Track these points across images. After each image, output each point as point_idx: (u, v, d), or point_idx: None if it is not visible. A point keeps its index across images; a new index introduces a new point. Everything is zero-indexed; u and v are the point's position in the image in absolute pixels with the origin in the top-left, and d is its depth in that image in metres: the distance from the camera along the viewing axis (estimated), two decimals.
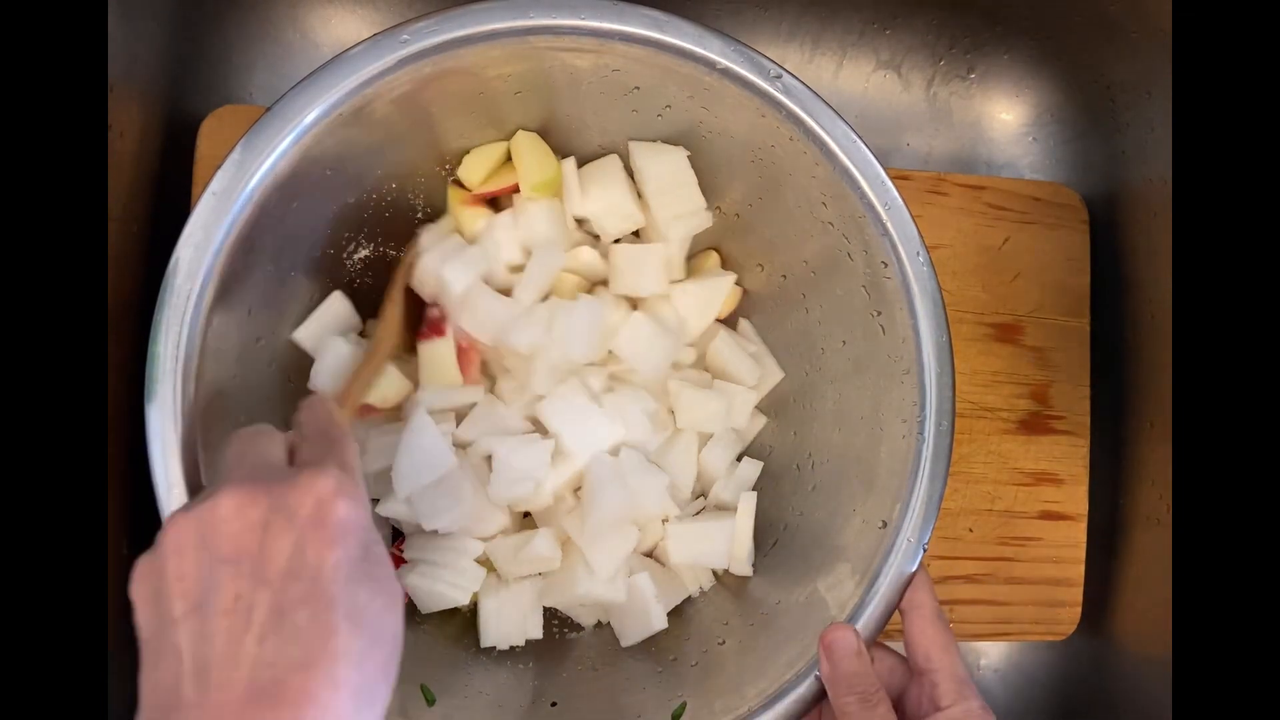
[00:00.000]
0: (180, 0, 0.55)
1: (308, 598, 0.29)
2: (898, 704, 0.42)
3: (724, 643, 0.50)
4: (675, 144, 0.50)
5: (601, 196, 0.50)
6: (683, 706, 0.45)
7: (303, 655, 0.28)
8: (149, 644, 0.30)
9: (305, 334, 0.48)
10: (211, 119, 0.54)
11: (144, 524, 0.49)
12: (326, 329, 0.48)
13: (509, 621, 0.49)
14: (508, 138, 0.50)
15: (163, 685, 0.29)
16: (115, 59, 0.47)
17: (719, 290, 0.53)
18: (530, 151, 0.49)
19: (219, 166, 0.40)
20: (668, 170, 0.50)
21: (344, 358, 0.47)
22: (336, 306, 0.49)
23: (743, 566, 0.52)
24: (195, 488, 0.39)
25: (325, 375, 0.47)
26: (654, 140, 0.50)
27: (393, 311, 0.49)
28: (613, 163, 0.51)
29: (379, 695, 0.30)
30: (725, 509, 0.53)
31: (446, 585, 0.48)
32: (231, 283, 0.41)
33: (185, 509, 0.31)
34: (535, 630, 0.50)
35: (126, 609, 0.49)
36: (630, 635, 0.50)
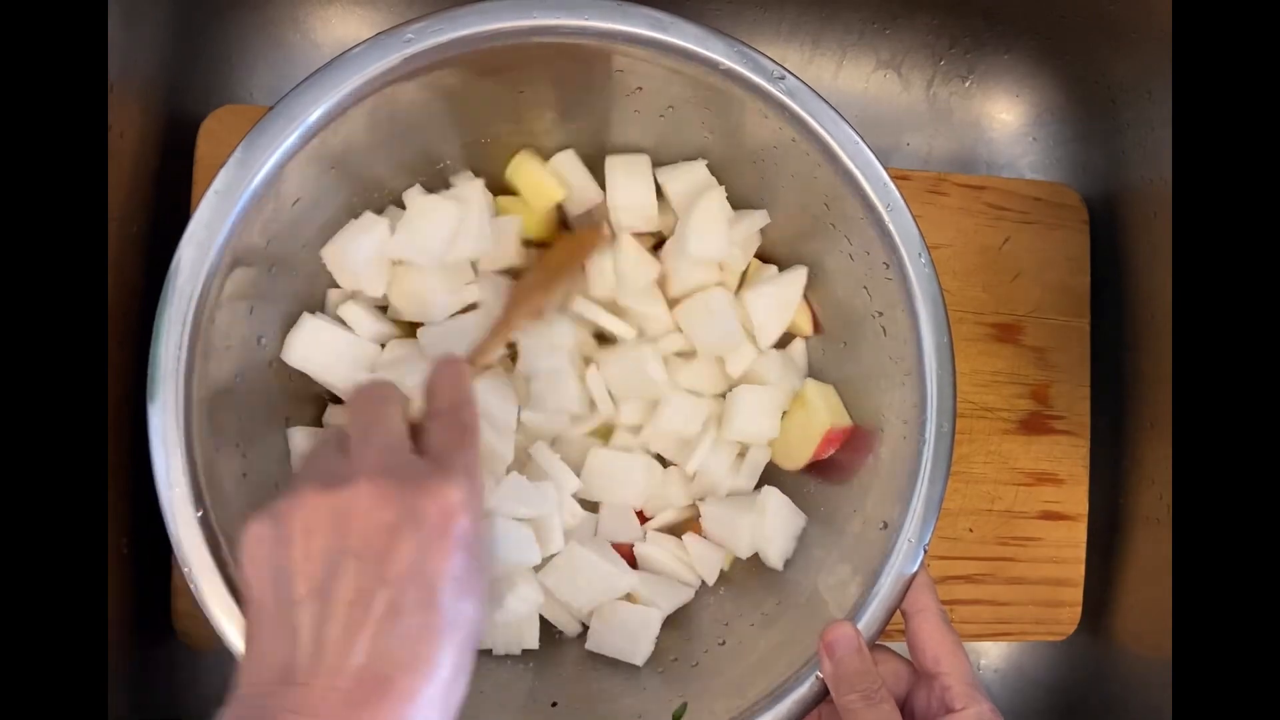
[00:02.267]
0: (180, 0, 0.55)
1: (422, 604, 0.31)
2: (903, 708, 0.42)
3: (724, 643, 0.50)
4: (673, 141, 0.50)
5: (626, 186, 0.50)
6: (683, 707, 0.45)
7: (410, 657, 0.30)
8: (264, 613, 0.31)
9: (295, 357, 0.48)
10: (211, 119, 0.53)
11: (144, 524, 0.49)
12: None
13: (506, 630, 0.49)
14: (512, 139, 0.50)
15: (274, 658, 0.30)
16: (115, 59, 0.47)
17: (794, 287, 0.51)
18: None
19: (221, 166, 0.40)
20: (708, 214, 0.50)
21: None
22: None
23: (775, 559, 0.51)
24: (196, 488, 0.39)
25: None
26: (653, 141, 0.50)
27: (552, 287, 0.48)
28: (641, 161, 0.51)
29: (459, 697, 0.32)
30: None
31: None
32: (233, 282, 0.41)
33: (320, 488, 0.32)
34: (531, 641, 0.50)
35: (127, 609, 0.50)
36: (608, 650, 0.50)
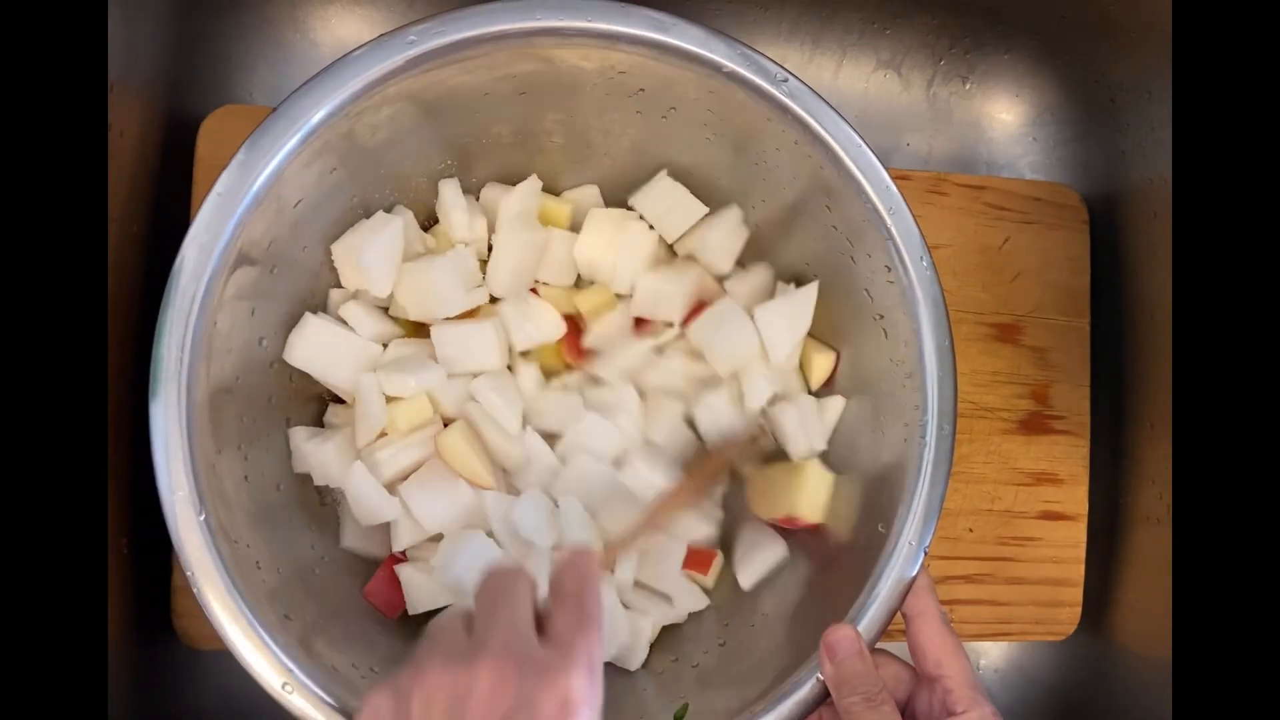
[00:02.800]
0: (180, 0, 0.55)
1: None
2: (905, 711, 0.42)
3: (725, 644, 0.50)
4: (676, 143, 0.50)
5: (661, 198, 0.51)
6: (684, 708, 0.45)
7: None
8: None
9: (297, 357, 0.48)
10: (211, 119, 0.53)
11: (144, 524, 0.49)
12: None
13: None
14: (513, 139, 0.50)
15: None
16: (115, 59, 0.47)
17: (806, 304, 0.51)
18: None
19: (224, 167, 0.40)
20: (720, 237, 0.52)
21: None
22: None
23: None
24: (198, 490, 0.39)
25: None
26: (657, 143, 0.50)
27: (694, 486, 0.50)
28: (663, 178, 0.52)
29: None
30: None
31: (443, 587, 0.48)
32: (235, 284, 0.41)
33: (442, 663, 0.32)
34: None
35: (127, 609, 0.50)
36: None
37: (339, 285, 0.49)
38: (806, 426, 0.50)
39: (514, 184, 0.51)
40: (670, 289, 0.50)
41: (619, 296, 0.52)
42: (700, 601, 0.52)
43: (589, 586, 0.37)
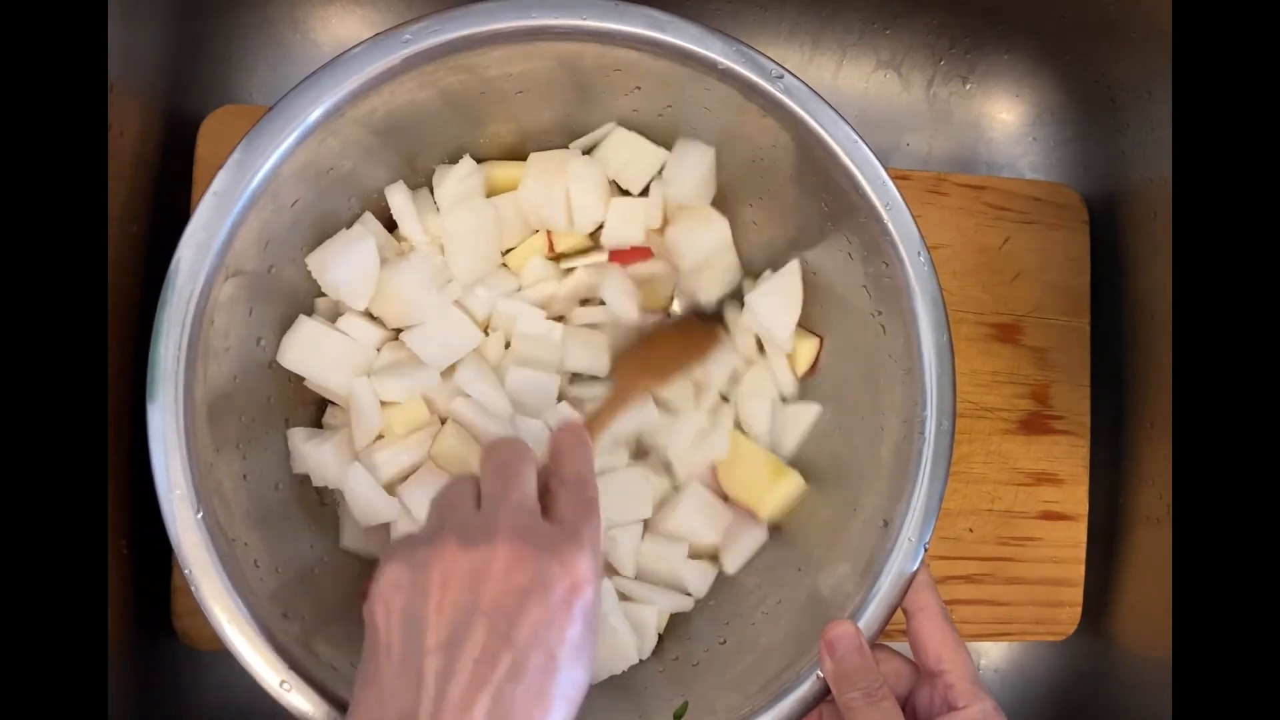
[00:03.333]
0: (180, 0, 0.55)
1: (541, 670, 0.32)
2: (905, 707, 0.42)
3: (725, 642, 0.50)
4: (672, 139, 0.50)
5: (619, 150, 0.50)
6: (684, 706, 0.45)
7: (524, 718, 0.31)
8: (390, 657, 0.33)
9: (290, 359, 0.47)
10: (211, 119, 0.53)
11: (144, 524, 0.49)
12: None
13: None
14: (510, 139, 0.50)
15: (396, 704, 0.32)
16: (115, 59, 0.47)
17: (793, 278, 0.51)
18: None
19: (220, 167, 0.40)
20: (708, 242, 0.52)
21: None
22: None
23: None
24: (196, 489, 0.39)
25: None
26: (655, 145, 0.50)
27: (667, 373, 0.51)
28: (616, 129, 0.51)
29: None
30: None
31: None
32: (233, 283, 0.41)
33: (460, 543, 0.33)
34: None
35: (127, 609, 0.50)
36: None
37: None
38: (777, 428, 0.52)
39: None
40: (636, 211, 0.51)
41: (592, 239, 0.52)
42: (708, 582, 0.52)
43: (586, 466, 0.39)
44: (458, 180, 0.49)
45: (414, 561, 0.33)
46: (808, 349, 0.52)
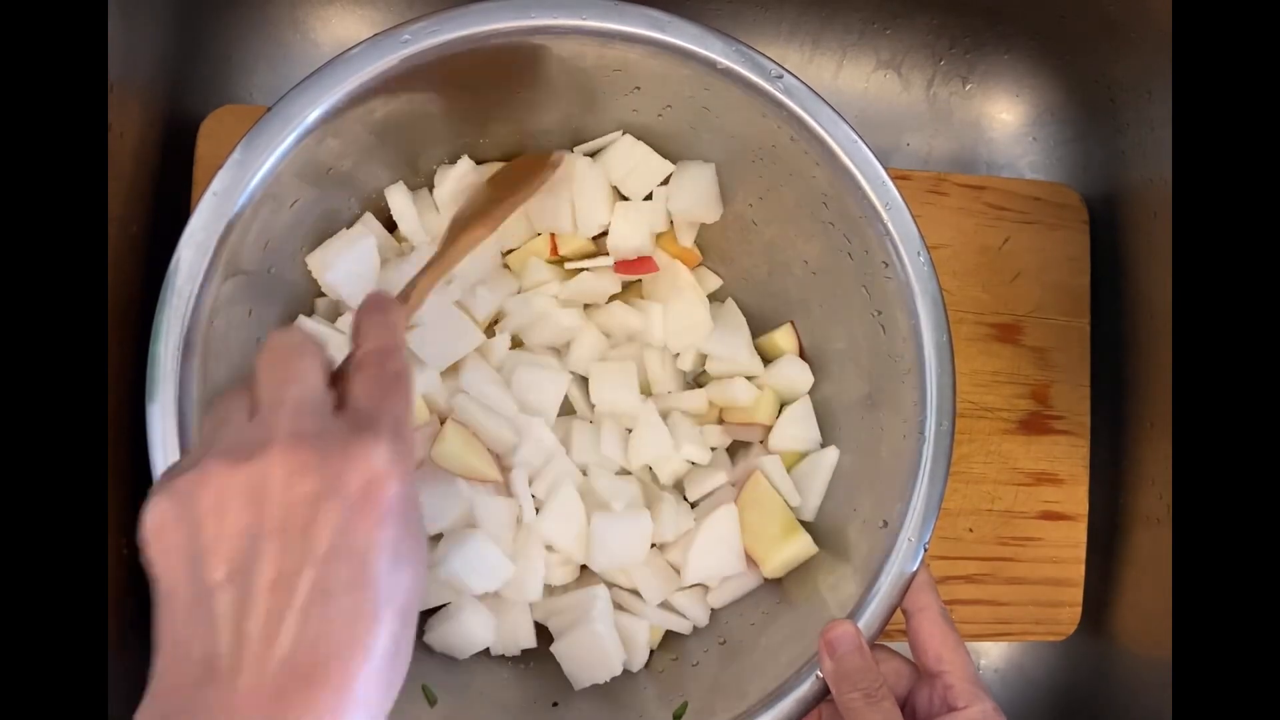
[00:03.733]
0: (180, 0, 0.55)
1: (352, 583, 0.28)
2: (905, 707, 0.42)
3: (724, 642, 0.50)
4: (675, 142, 0.50)
5: (624, 160, 0.50)
6: (684, 706, 0.45)
7: (343, 640, 0.28)
8: (175, 601, 0.29)
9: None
10: (211, 119, 0.53)
11: None
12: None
13: (502, 632, 0.49)
14: (510, 139, 0.50)
15: (192, 652, 0.28)
16: (115, 59, 0.47)
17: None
18: None
19: (220, 167, 0.40)
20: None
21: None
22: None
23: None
24: None
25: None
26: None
27: (494, 214, 0.46)
28: (624, 138, 0.51)
29: (403, 671, 0.30)
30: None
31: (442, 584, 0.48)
32: (232, 283, 0.41)
33: (228, 461, 0.29)
34: (528, 641, 0.49)
35: (127, 609, 0.50)
36: (581, 677, 0.48)
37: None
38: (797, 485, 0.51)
39: None
40: (641, 216, 0.50)
41: (595, 244, 0.52)
42: (707, 614, 0.51)
43: (391, 341, 0.34)
44: (457, 179, 0.49)
45: (179, 493, 0.29)
46: (785, 338, 0.52)
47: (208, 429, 0.31)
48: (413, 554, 0.30)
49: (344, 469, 0.29)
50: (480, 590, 0.46)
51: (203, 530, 0.28)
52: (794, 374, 0.52)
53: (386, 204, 0.50)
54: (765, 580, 0.50)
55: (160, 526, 0.29)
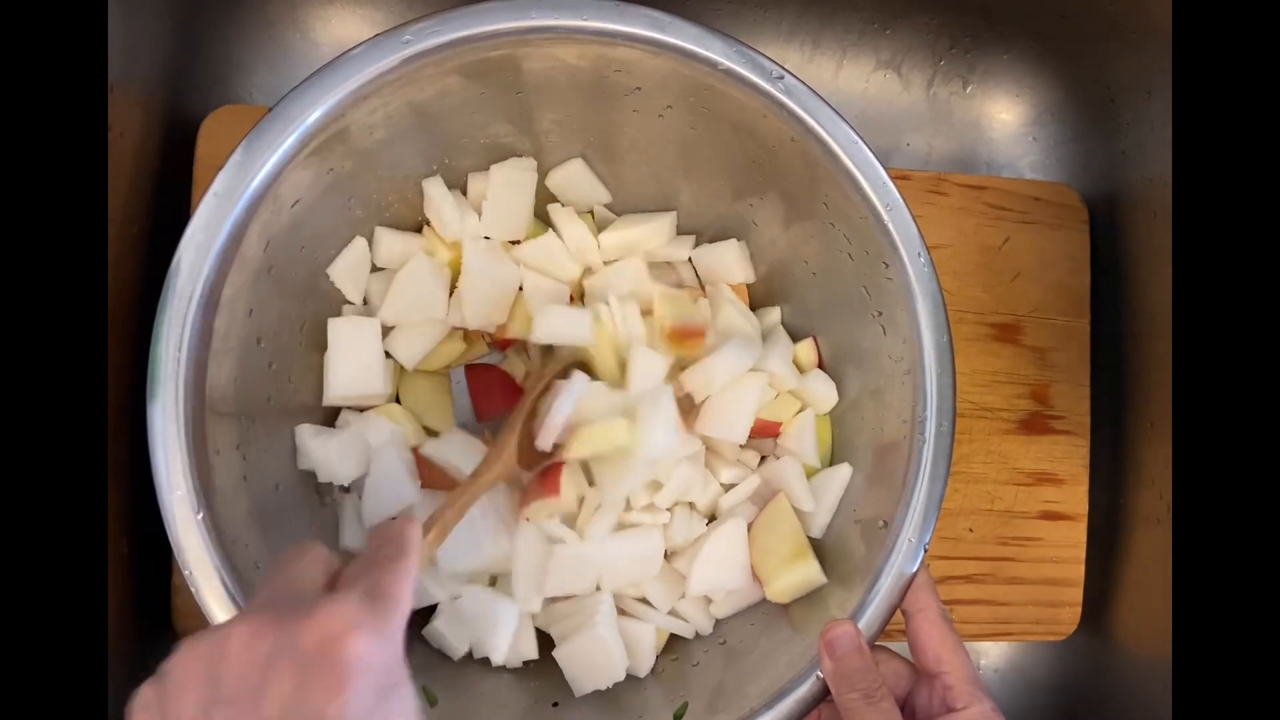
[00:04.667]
0: (180, 0, 0.55)
1: None
2: (904, 708, 0.42)
3: (725, 643, 0.50)
4: (672, 140, 0.50)
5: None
6: (684, 707, 0.45)
7: None
8: None
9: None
10: (211, 119, 0.53)
11: (144, 524, 0.49)
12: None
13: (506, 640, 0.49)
14: (510, 140, 0.50)
15: None
16: (115, 59, 0.47)
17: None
18: None
19: (220, 167, 0.40)
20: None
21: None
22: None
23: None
24: (197, 490, 0.39)
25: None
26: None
27: (509, 441, 0.46)
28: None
29: None
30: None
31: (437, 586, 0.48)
32: (233, 284, 0.41)
33: (197, 637, 0.29)
34: (530, 653, 0.49)
35: (127, 609, 0.50)
36: (582, 684, 0.48)
37: (333, 287, 0.50)
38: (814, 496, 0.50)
39: None
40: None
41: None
42: (711, 622, 0.51)
43: (395, 539, 0.33)
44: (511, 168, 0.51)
45: (160, 673, 0.29)
46: (806, 352, 0.52)
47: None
48: (392, 714, 0.28)
49: (300, 628, 0.27)
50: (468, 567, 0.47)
51: (168, 707, 0.28)
52: (822, 390, 0.51)
53: (385, 205, 0.50)
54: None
55: (140, 707, 0.29)
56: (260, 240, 0.42)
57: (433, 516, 0.42)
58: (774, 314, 0.54)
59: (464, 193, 0.52)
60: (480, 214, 0.51)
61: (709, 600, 0.51)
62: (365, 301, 0.51)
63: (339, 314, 0.50)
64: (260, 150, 0.40)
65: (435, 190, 0.50)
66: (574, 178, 0.52)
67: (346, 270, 0.49)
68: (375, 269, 0.51)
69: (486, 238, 0.51)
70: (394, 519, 0.36)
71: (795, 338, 0.53)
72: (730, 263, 0.53)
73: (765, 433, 0.52)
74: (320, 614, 0.28)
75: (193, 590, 0.39)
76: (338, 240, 0.49)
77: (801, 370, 0.53)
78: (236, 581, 0.39)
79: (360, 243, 0.50)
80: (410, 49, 0.41)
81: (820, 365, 0.53)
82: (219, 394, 0.42)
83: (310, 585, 0.31)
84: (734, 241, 0.53)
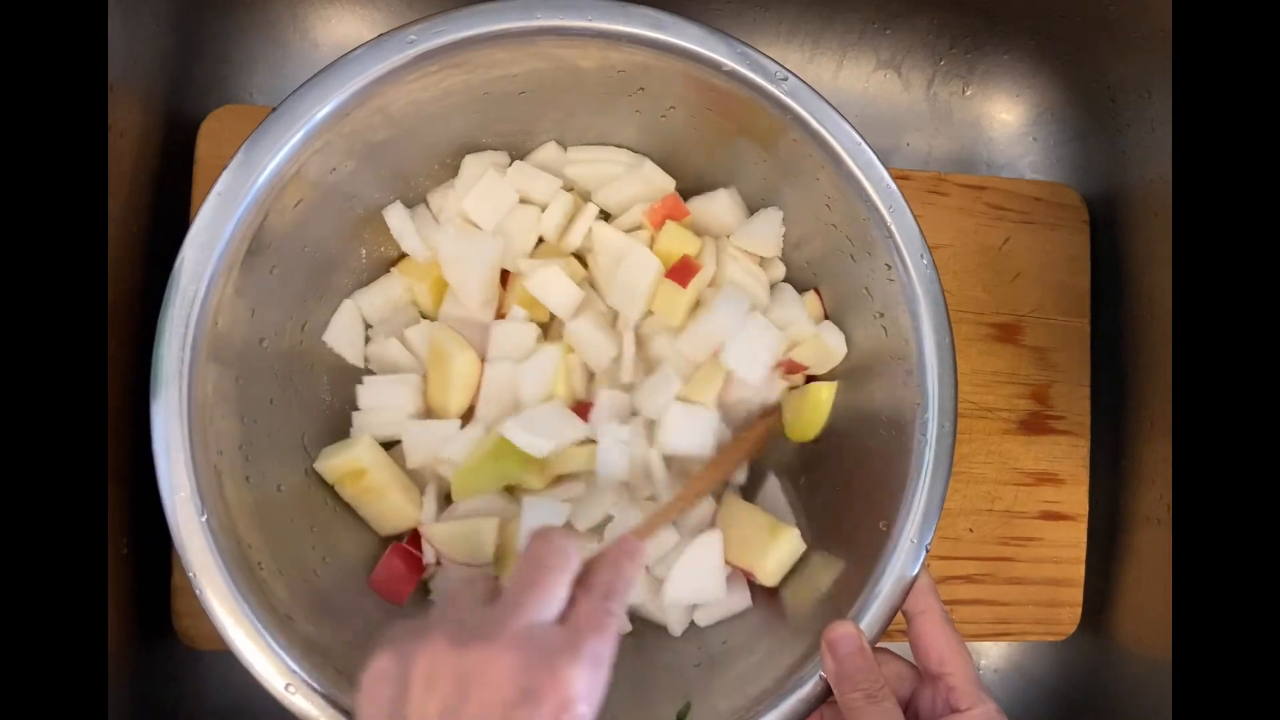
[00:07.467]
0: (180, 0, 0.55)
1: None
2: (907, 709, 0.42)
3: (727, 643, 0.50)
4: (674, 141, 0.50)
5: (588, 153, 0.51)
6: (687, 707, 0.45)
7: None
8: None
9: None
10: (211, 119, 0.53)
11: (144, 524, 0.49)
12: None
13: None
14: (512, 140, 0.50)
15: None
16: (115, 59, 0.47)
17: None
18: None
19: (224, 167, 0.40)
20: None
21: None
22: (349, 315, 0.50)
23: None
24: (200, 491, 0.39)
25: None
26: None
27: (729, 460, 0.50)
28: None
29: None
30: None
31: None
32: (235, 284, 0.41)
33: (453, 641, 0.32)
34: None
35: (127, 609, 0.50)
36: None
37: (333, 287, 0.50)
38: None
39: None
40: None
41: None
42: (684, 625, 0.51)
43: (621, 585, 0.37)
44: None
45: (403, 654, 0.33)
46: (811, 304, 0.52)
47: (441, 601, 0.35)
48: None
49: (546, 685, 0.31)
50: None
51: (409, 695, 0.32)
52: (832, 341, 0.51)
53: (388, 203, 0.50)
54: (756, 598, 0.50)
55: (378, 676, 0.33)
56: (264, 240, 0.42)
57: (647, 525, 0.46)
58: (779, 268, 0.53)
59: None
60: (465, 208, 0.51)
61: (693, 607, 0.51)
62: (366, 361, 0.51)
63: None
64: (264, 150, 0.40)
65: (395, 219, 0.50)
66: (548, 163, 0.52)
67: (342, 333, 0.50)
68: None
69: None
70: (630, 541, 0.39)
71: None
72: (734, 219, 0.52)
73: (793, 369, 0.51)
74: (564, 680, 0.31)
75: (196, 593, 0.39)
76: (340, 240, 0.49)
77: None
78: (240, 583, 0.39)
79: (348, 306, 0.50)
80: (415, 49, 0.41)
81: (825, 317, 0.52)
82: (221, 394, 0.42)
83: (556, 610, 0.34)
84: (725, 188, 0.52)
